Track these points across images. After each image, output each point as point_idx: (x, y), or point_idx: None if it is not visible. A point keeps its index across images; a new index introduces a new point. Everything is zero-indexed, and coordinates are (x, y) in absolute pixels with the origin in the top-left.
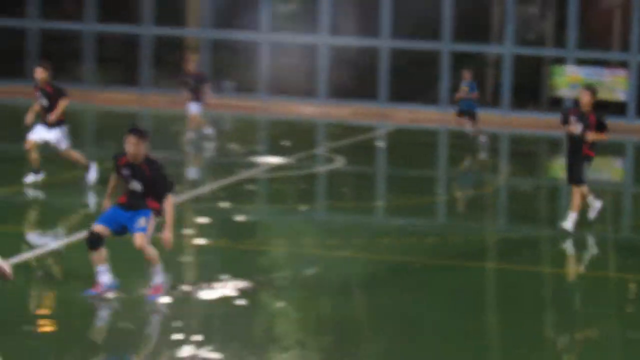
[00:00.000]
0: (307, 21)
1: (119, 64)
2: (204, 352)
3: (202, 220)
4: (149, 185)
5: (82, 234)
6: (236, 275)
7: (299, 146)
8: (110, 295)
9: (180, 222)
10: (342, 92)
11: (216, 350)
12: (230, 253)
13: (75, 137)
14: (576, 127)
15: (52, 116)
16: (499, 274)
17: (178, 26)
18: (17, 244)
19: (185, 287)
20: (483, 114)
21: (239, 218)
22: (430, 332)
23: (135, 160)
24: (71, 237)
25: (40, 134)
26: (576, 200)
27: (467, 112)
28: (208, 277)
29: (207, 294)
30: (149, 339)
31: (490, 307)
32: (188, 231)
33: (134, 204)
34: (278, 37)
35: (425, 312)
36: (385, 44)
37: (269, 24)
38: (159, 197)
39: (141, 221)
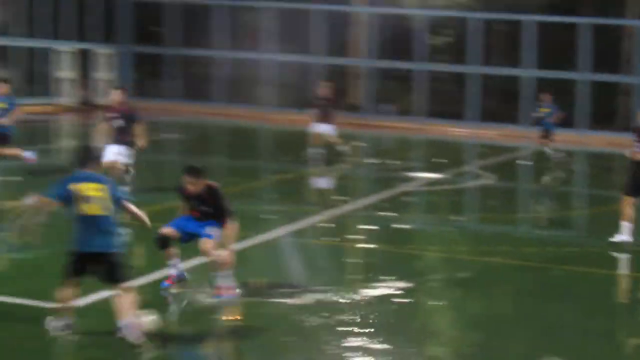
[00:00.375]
0: (459, 53)
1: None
2: (369, 344)
3: (368, 227)
4: (217, 208)
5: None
6: (397, 276)
7: (451, 164)
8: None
9: (348, 228)
10: (489, 115)
11: (380, 342)
12: (392, 256)
13: (253, 152)
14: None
15: (143, 143)
16: (634, 281)
17: (343, 56)
18: None
19: (353, 286)
20: (622, 137)
21: (399, 226)
22: (569, 332)
23: (197, 192)
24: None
25: (114, 153)
26: (627, 211)
27: (547, 131)
28: (372, 277)
29: (372, 292)
30: (320, 331)
31: (625, 310)
32: (356, 237)
33: (205, 218)
34: (432, 67)
35: (564, 314)
36: (527, 73)
37: (424, 55)
38: (225, 220)
39: (211, 229)
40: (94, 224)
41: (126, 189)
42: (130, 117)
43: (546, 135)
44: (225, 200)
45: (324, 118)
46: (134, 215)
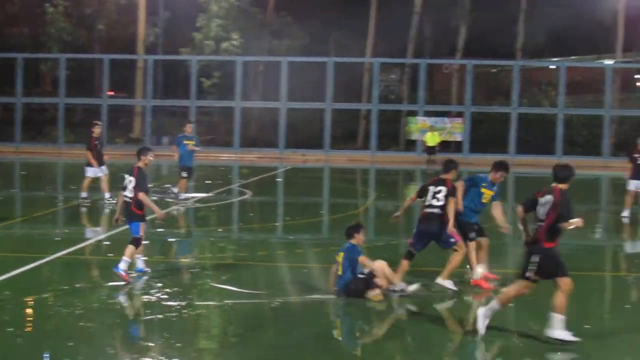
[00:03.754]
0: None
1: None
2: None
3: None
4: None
5: None
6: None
7: (219, 184)
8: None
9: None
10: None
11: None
12: (166, 266)
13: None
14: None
15: None
16: None
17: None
18: None
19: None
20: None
21: (172, 239)
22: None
23: None
24: None
25: None
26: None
27: (189, 168)
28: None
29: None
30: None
31: None
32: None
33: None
34: (202, 103)
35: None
36: (284, 104)
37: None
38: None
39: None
40: None
41: None
42: None
43: (188, 171)
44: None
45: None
46: None
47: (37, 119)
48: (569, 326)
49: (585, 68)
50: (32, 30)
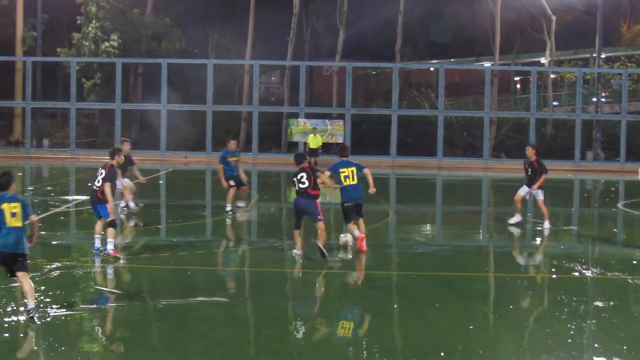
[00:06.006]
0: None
1: None
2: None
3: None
4: None
5: None
6: None
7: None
8: None
9: None
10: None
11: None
12: (49, 268)
13: None
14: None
15: None
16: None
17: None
18: None
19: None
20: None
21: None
22: None
23: None
24: None
25: None
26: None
27: (235, 177)
28: None
29: None
30: None
31: None
32: None
33: None
34: (82, 105)
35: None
36: (164, 106)
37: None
38: None
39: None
40: None
41: None
42: None
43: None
44: None
45: None
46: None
47: None
48: (451, 329)
49: (464, 70)
50: None
